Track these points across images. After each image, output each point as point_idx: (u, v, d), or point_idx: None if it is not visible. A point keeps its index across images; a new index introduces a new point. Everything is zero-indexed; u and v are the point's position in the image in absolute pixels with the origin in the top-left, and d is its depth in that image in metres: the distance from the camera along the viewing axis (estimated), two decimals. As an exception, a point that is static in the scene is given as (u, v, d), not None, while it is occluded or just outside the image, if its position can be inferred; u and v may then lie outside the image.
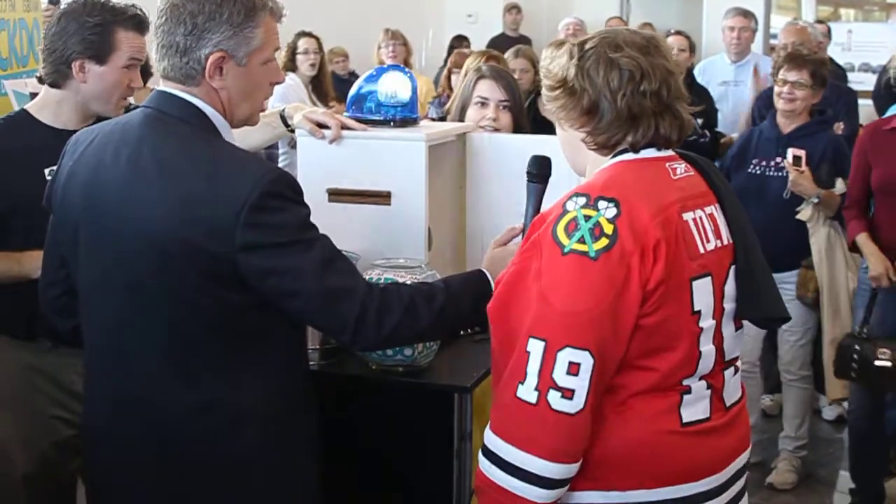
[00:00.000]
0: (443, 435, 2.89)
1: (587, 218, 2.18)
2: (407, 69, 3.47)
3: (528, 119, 5.09)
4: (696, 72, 7.57)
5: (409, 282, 2.87)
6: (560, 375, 2.15)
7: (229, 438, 2.45)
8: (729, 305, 2.39)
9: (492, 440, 2.23)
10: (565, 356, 2.15)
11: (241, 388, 2.45)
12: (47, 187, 2.72)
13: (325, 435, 2.80)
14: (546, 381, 2.16)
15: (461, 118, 3.87)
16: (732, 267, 2.39)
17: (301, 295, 2.39)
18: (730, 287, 2.39)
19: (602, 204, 2.20)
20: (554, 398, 2.16)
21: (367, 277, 2.91)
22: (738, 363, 2.50)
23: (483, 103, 3.90)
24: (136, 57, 3.24)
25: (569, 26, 8.45)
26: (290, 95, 7.21)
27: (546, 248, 2.21)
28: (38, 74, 3.35)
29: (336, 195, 3.21)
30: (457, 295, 2.59)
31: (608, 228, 2.17)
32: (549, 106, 2.42)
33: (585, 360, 2.15)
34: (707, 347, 2.32)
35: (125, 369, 2.50)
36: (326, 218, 3.12)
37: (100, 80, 3.23)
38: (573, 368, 2.15)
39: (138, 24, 3.24)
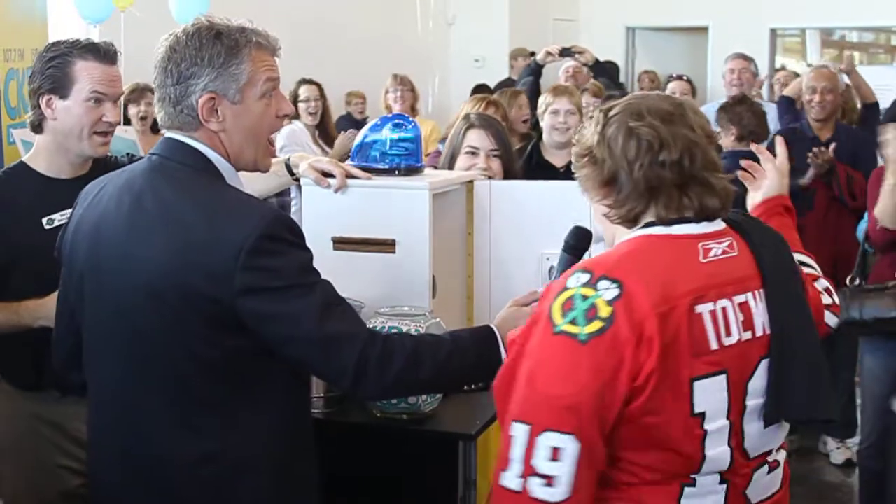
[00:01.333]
0: (448, 482, 2.90)
1: (584, 298, 2.07)
2: (411, 118, 3.49)
3: (531, 163, 5.15)
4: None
5: (413, 330, 2.88)
6: (541, 462, 2.03)
7: (232, 488, 2.44)
8: (755, 402, 2.20)
9: None
10: (546, 441, 2.03)
11: (243, 436, 2.43)
12: (58, 238, 2.74)
13: (330, 483, 2.81)
14: (528, 468, 2.04)
15: (451, 166, 3.90)
16: (764, 360, 2.21)
17: (299, 341, 2.37)
18: (758, 382, 2.20)
19: (603, 284, 2.07)
20: (535, 485, 2.04)
21: (370, 326, 2.93)
22: (779, 456, 2.32)
23: (473, 152, 3.94)
24: (99, 90, 3.24)
25: (568, 69, 8.47)
26: (293, 141, 7.26)
27: (541, 324, 2.11)
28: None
29: (341, 243, 3.22)
30: (462, 349, 2.54)
31: (604, 311, 2.05)
32: (577, 175, 2.33)
33: (568, 446, 2.03)
34: (717, 450, 2.15)
35: (128, 422, 2.49)
36: (331, 266, 3.13)
37: (66, 114, 3.24)
38: (555, 454, 2.03)
39: (96, 52, 3.26)
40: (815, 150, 5.87)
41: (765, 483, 2.27)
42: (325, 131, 7.65)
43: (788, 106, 7.27)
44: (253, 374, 2.43)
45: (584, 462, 2.04)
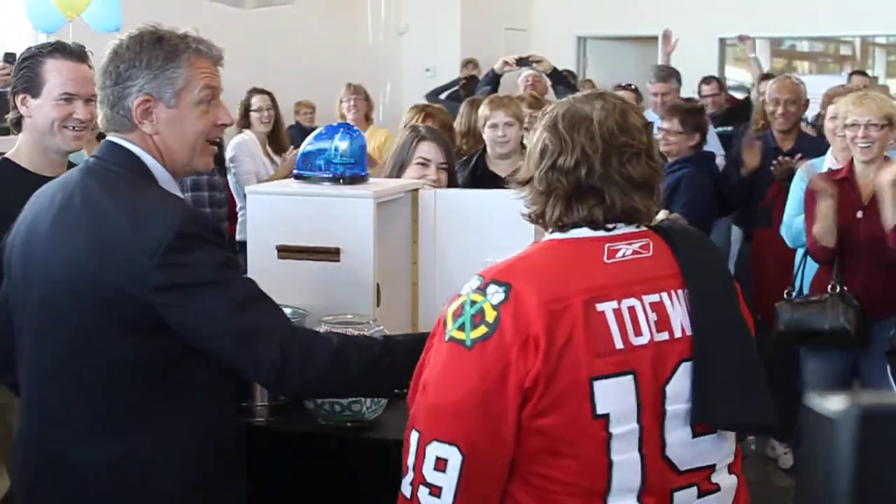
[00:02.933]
0: (392, 489, 2.90)
1: (473, 303, 2.06)
2: (356, 127, 3.51)
3: (476, 174, 5.20)
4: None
5: (353, 336, 2.90)
6: (428, 471, 2.04)
7: (145, 492, 2.41)
8: (677, 407, 2.12)
9: None
10: (433, 450, 2.04)
11: (161, 441, 2.41)
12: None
13: (274, 492, 2.81)
14: (418, 476, 2.06)
15: (398, 175, 3.92)
16: (685, 363, 2.13)
17: (217, 336, 2.36)
18: (678, 386, 2.12)
19: (491, 289, 2.06)
20: (422, 494, 2.05)
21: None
22: (721, 480, 2.20)
23: (424, 164, 3.97)
24: (68, 90, 3.36)
25: (527, 78, 8.49)
26: (243, 151, 7.26)
27: (438, 332, 2.13)
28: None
29: (285, 252, 3.23)
30: (393, 352, 2.54)
31: (490, 315, 2.03)
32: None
33: (452, 457, 2.02)
34: (625, 456, 2.07)
35: (49, 422, 2.48)
36: (276, 274, 3.17)
37: (39, 112, 3.37)
38: (440, 464, 2.02)
39: (63, 51, 3.38)
40: (778, 158, 5.94)
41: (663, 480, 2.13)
42: (276, 141, 7.65)
43: None
44: (173, 378, 2.42)
45: (472, 474, 2.02)
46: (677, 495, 2.14)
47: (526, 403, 2.03)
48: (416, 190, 3.51)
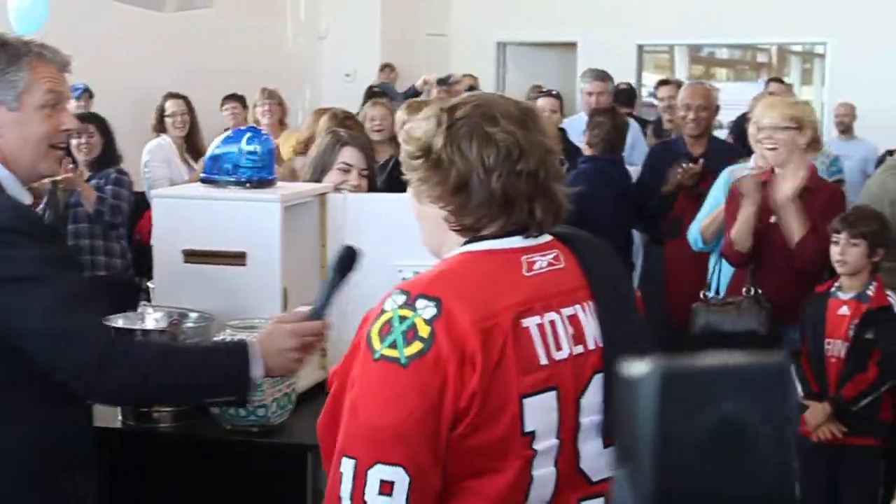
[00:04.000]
0: (297, 494, 2.90)
1: (402, 319, 1.94)
2: (263, 131, 3.50)
3: (392, 177, 5.21)
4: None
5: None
6: (372, 497, 1.91)
7: None
8: (590, 419, 2.09)
9: None
10: (376, 474, 1.91)
11: None
12: None
13: (180, 499, 2.79)
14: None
15: (318, 180, 3.91)
16: (597, 375, 2.10)
17: (31, 334, 2.33)
18: (591, 398, 2.09)
19: (421, 303, 1.95)
20: None
21: (220, 338, 2.93)
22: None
23: (346, 169, 3.96)
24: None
25: (440, 92, 8.50)
26: (158, 156, 7.21)
27: (362, 352, 1.98)
28: None
29: (191, 256, 3.21)
30: (211, 360, 2.52)
31: (423, 331, 1.93)
32: (409, 176, 2.15)
33: (399, 478, 1.91)
34: (543, 471, 2.03)
35: None
36: (182, 278, 3.16)
37: None
38: (385, 488, 1.91)
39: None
40: (684, 165, 5.98)
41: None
42: (193, 145, 7.60)
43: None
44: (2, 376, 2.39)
45: (416, 494, 1.93)
46: None
47: (457, 423, 1.95)
48: (325, 194, 3.50)
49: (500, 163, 2.04)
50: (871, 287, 4.37)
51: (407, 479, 1.91)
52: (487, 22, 13.06)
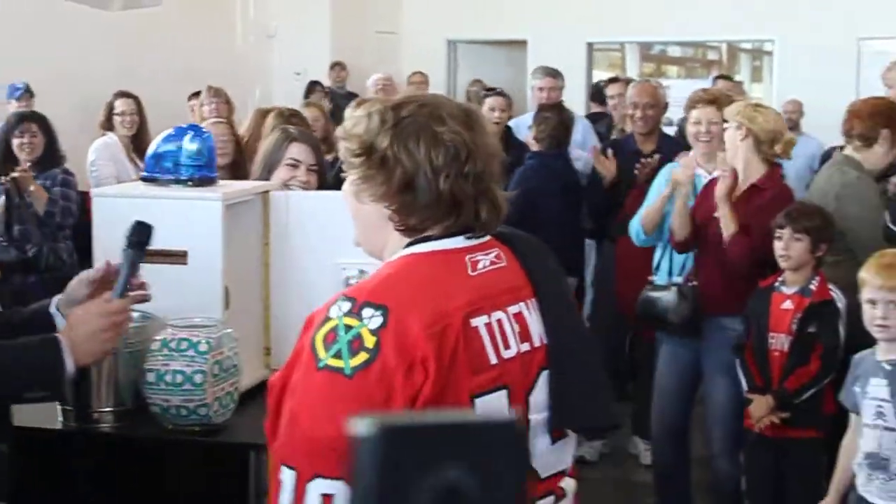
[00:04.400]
0: (240, 493, 2.89)
1: (348, 328, 1.91)
2: (205, 129, 3.48)
3: (340, 175, 5.19)
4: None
5: (204, 342, 2.89)
6: None
7: None
8: (538, 416, 2.09)
9: None
10: (316, 488, 1.88)
11: None
12: None
13: (122, 500, 2.77)
14: None
15: (267, 177, 3.89)
16: (544, 371, 2.11)
17: None
18: (539, 395, 2.09)
19: (367, 312, 1.92)
20: None
21: (161, 338, 2.92)
22: (566, 485, 2.21)
23: (294, 165, 3.94)
24: None
25: (377, 82, 8.41)
26: (105, 154, 7.16)
27: (305, 358, 1.94)
28: None
29: (132, 255, 3.19)
30: (19, 356, 2.52)
31: (369, 342, 1.90)
32: (349, 173, 2.11)
33: (340, 492, 1.86)
34: None
35: None
36: (123, 278, 3.13)
37: None
38: (326, 501, 1.87)
39: None
40: (641, 161, 6.04)
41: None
42: (140, 145, 7.55)
43: None
44: None
45: None
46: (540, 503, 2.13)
47: None
48: (268, 192, 3.49)
49: (448, 163, 2.02)
50: (814, 282, 4.42)
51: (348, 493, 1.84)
52: (438, 20, 13.06)
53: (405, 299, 1.96)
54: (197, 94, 8.68)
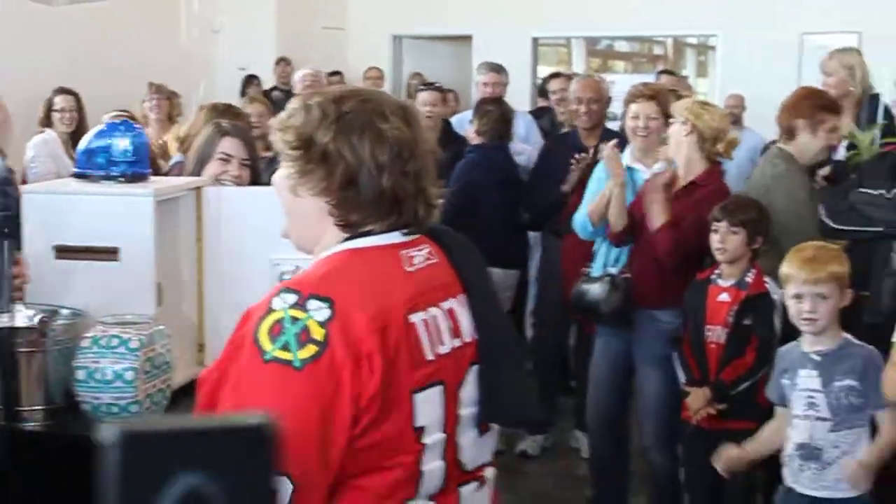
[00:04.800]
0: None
1: (294, 320, 1.88)
2: (136, 125, 3.46)
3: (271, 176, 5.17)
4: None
5: (135, 339, 2.88)
6: None
7: None
8: (467, 411, 2.12)
9: None
10: None
11: None
12: None
13: (52, 499, 2.75)
14: None
15: (199, 171, 3.88)
16: (474, 366, 2.13)
17: None
18: (469, 390, 2.12)
19: (313, 304, 1.90)
20: None
21: (92, 335, 2.90)
22: (488, 473, 2.23)
23: (226, 159, 3.92)
24: None
25: (305, 78, 8.32)
26: (44, 151, 7.10)
27: (247, 351, 1.91)
28: None
29: (63, 252, 3.17)
30: None
31: (318, 334, 1.88)
32: (286, 167, 2.08)
33: (283, 489, 1.82)
34: (432, 465, 2.04)
35: None
36: (53, 275, 3.13)
37: None
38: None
39: None
40: (576, 156, 6.06)
41: (475, 501, 2.17)
42: (80, 142, 7.48)
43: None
44: None
45: (299, 502, 1.85)
46: (462, 490, 2.15)
47: (355, 425, 1.91)
48: (200, 188, 3.47)
49: (391, 161, 2.02)
50: (749, 274, 4.45)
51: (290, 489, 1.83)
52: (383, 15, 13.04)
53: (349, 294, 1.95)
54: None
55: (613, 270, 4.97)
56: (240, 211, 3.45)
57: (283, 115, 2.12)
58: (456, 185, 6.01)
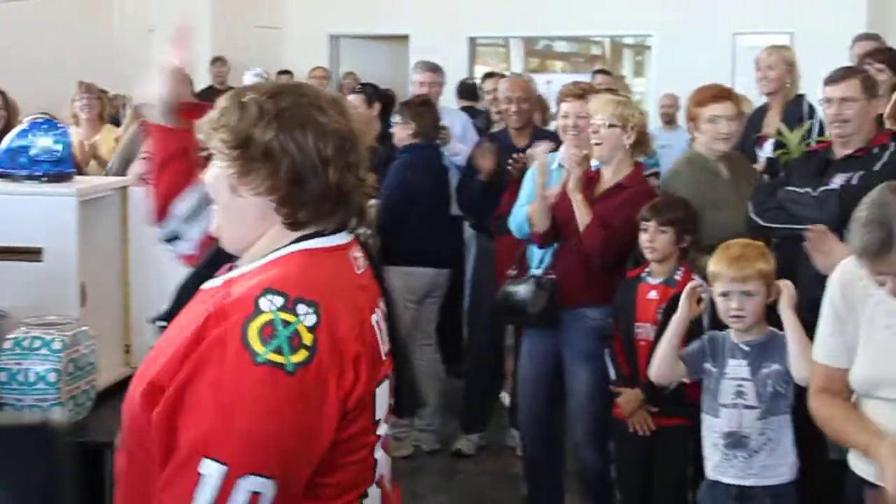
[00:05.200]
0: (95, 493, 2.85)
1: (286, 324, 1.88)
2: (60, 124, 3.43)
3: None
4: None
5: (58, 340, 2.85)
6: None
7: None
8: (389, 403, 2.18)
9: None
10: (248, 485, 1.84)
11: None
12: None
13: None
14: None
15: (123, 171, 3.86)
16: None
17: None
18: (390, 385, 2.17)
19: (301, 308, 1.90)
20: None
21: (14, 336, 2.87)
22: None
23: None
24: None
25: (258, 75, 8.34)
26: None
27: (233, 351, 1.87)
28: None
29: (-15, 252, 3.14)
30: None
31: (307, 339, 1.88)
32: (225, 167, 2.03)
33: (267, 490, 1.85)
34: (380, 453, 2.11)
35: None
36: (-26, 276, 3.08)
37: None
38: (253, 499, 1.84)
39: None
40: (514, 156, 6.06)
41: (388, 469, 2.23)
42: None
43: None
44: None
45: (278, 502, 1.88)
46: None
47: (345, 425, 1.95)
48: (126, 187, 3.45)
49: (335, 154, 2.00)
50: (678, 272, 4.49)
51: (273, 492, 1.86)
52: (320, 15, 13.00)
53: (330, 296, 1.95)
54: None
55: (538, 272, 4.99)
56: (166, 210, 3.42)
57: (213, 113, 2.06)
58: (392, 186, 6.00)
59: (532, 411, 5.13)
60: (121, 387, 3.27)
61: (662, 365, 4.04)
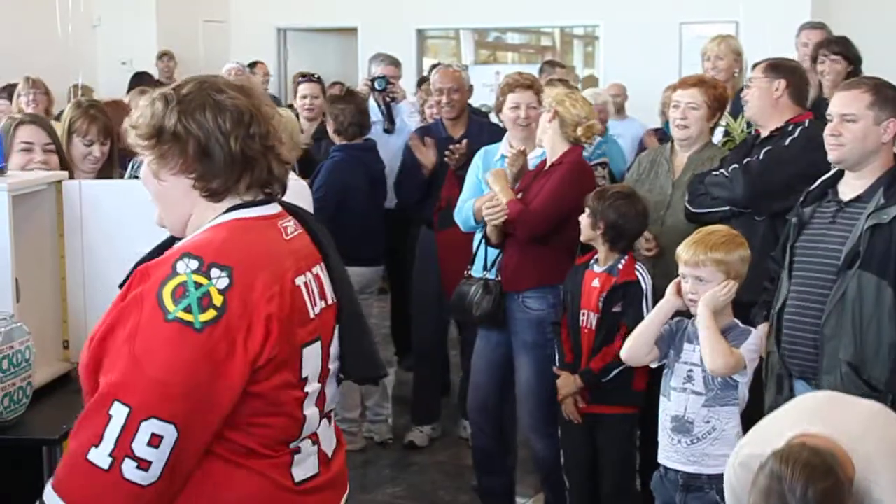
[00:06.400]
0: (31, 490, 2.81)
1: (198, 286, 2.11)
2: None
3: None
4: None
5: (-8, 335, 2.82)
6: (139, 446, 2.07)
7: None
8: (334, 365, 2.41)
9: (51, 498, 2.15)
10: (149, 427, 2.07)
11: None
12: None
13: None
14: (123, 449, 2.07)
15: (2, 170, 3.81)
16: (337, 326, 2.41)
17: None
18: (335, 347, 2.40)
19: (215, 272, 2.12)
20: (128, 467, 2.07)
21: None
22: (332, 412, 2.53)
23: (28, 149, 3.90)
24: None
25: (230, 72, 8.30)
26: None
27: (148, 308, 2.11)
28: None
29: (-85, 249, 3.09)
30: None
31: (217, 300, 2.10)
32: (145, 157, 2.29)
33: (168, 434, 2.08)
34: (311, 410, 2.32)
35: None
36: None
37: None
38: (154, 440, 2.07)
39: None
40: (450, 147, 6.06)
41: (329, 435, 2.47)
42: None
43: None
44: None
45: (182, 448, 2.10)
46: (322, 423, 2.44)
47: (255, 380, 2.16)
48: (60, 182, 3.40)
49: (234, 126, 2.24)
50: (622, 262, 4.49)
51: (175, 436, 2.08)
52: (267, 8, 12.95)
53: (247, 261, 2.18)
54: (9, 87, 8.43)
55: (491, 274, 4.97)
56: (102, 205, 3.39)
57: (132, 116, 2.32)
58: (323, 187, 5.94)
59: (480, 399, 5.13)
60: (59, 383, 3.25)
61: (633, 347, 4.05)
